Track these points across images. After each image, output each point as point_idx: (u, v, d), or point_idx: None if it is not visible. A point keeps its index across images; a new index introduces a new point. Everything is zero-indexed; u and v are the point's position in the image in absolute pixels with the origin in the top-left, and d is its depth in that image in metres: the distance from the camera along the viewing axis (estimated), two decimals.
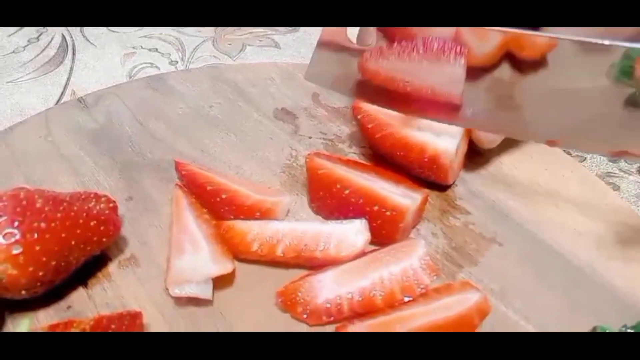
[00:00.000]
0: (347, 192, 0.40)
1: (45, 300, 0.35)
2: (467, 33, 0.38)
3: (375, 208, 0.39)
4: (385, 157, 0.45)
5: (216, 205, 0.40)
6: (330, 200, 0.41)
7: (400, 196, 0.39)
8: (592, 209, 0.45)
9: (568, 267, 0.40)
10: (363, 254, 0.38)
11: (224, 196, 0.40)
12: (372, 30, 0.40)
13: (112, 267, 0.38)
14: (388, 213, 0.39)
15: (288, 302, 0.36)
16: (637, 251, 0.42)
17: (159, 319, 0.35)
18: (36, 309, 0.35)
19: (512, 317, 0.37)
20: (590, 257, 0.41)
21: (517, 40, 0.37)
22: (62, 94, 0.59)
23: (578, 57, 0.35)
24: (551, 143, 0.37)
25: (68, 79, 0.61)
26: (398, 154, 0.43)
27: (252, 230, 0.38)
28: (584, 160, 0.55)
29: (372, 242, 0.39)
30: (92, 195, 0.38)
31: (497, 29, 0.37)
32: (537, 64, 0.37)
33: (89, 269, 0.38)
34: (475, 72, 0.38)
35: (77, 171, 0.45)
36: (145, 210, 0.42)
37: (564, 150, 0.51)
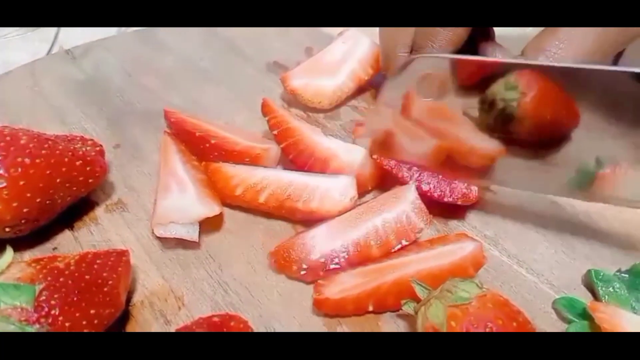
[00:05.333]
0: None
1: (31, 242, 0.35)
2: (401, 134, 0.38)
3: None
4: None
5: (205, 151, 0.40)
6: None
7: None
8: None
9: (563, 215, 0.40)
10: (350, 208, 0.37)
11: (213, 141, 0.39)
12: None
13: (99, 211, 0.38)
14: None
15: (282, 261, 0.35)
16: None
17: (146, 261, 0.35)
18: (22, 249, 0.35)
19: (506, 261, 0.37)
20: (586, 205, 0.40)
21: (458, 147, 0.37)
22: (50, 50, 0.57)
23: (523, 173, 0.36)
24: None
25: (56, 35, 0.59)
26: (309, 166, 0.39)
27: (238, 175, 0.37)
28: None
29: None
30: (78, 138, 0.38)
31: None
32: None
33: (75, 212, 0.37)
34: None
35: (64, 120, 0.44)
36: (133, 157, 0.42)
37: None
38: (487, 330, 0.27)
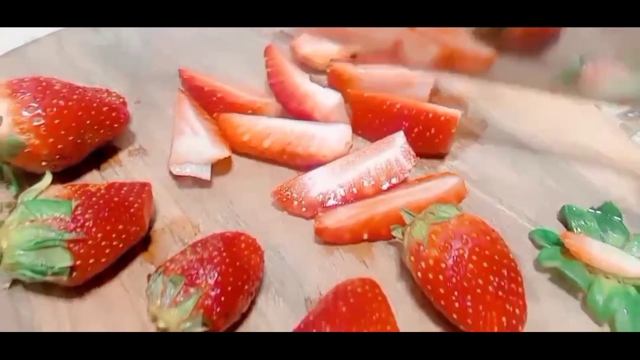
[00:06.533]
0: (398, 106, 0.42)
1: (63, 179, 0.39)
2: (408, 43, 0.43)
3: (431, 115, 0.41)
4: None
5: (212, 104, 0.44)
6: (379, 120, 0.43)
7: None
8: (568, 114, 0.48)
9: (543, 162, 0.43)
10: (345, 153, 0.41)
11: (219, 95, 0.44)
12: None
13: (122, 155, 0.42)
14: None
15: (284, 199, 0.39)
16: (606, 147, 0.45)
17: (166, 195, 0.39)
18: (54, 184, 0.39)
19: (488, 199, 0.40)
20: (566, 152, 0.44)
21: (458, 53, 0.42)
22: None
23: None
24: None
25: None
26: (287, 103, 0.45)
27: (245, 124, 0.42)
28: None
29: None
30: (103, 89, 0.42)
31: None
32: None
33: (101, 156, 0.41)
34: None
35: (89, 80, 0.49)
36: (153, 111, 0.46)
37: None
38: (463, 242, 0.31)
